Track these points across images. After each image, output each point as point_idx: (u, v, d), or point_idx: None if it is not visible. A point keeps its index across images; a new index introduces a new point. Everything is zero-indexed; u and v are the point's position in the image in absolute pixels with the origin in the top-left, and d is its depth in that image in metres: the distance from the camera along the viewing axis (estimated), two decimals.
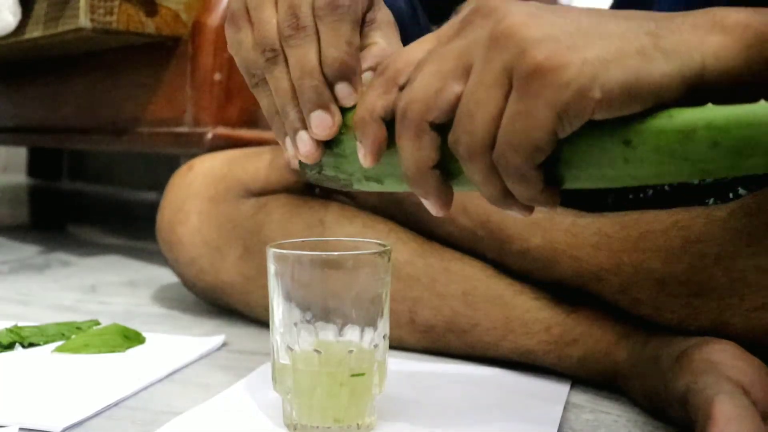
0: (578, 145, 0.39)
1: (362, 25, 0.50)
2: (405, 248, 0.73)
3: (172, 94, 1.13)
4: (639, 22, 0.39)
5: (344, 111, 0.48)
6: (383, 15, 0.52)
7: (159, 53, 1.13)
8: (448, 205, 0.45)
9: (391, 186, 0.48)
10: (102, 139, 1.30)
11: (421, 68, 0.42)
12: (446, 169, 0.43)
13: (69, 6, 1.04)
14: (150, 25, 1.06)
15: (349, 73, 0.47)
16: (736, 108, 0.35)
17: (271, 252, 0.52)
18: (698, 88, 0.38)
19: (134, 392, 0.62)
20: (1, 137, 1.65)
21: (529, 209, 0.43)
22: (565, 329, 0.66)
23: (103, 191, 2.54)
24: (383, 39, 0.50)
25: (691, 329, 0.59)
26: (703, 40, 0.38)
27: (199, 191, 0.86)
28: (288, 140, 0.50)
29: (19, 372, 0.66)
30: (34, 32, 1.11)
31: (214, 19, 1.09)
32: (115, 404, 0.59)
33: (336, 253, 0.53)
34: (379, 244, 0.54)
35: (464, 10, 0.43)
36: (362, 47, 0.50)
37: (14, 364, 0.68)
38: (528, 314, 0.68)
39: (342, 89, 0.47)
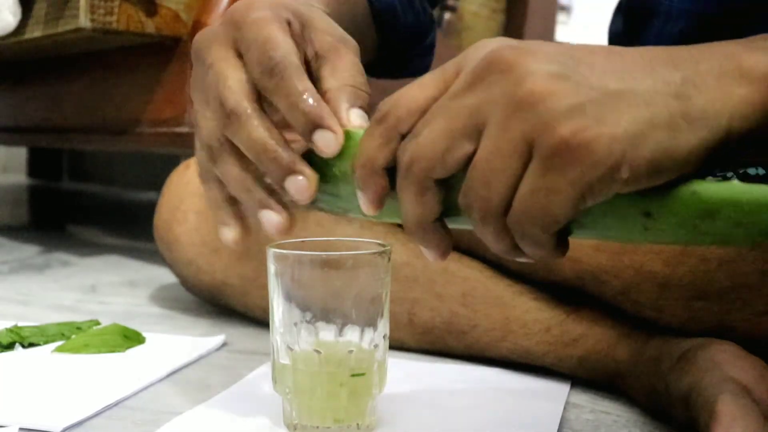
0: (595, 214, 0.38)
1: (309, 67, 0.48)
2: (403, 249, 0.73)
3: (172, 94, 1.13)
4: (664, 74, 0.37)
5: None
6: (322, 40, 0.48)
7: (159, 53, 1.13)
8: (447, 253, 0.43)
9: (390, 220, 0.46)
10: (102, 139, 1.30)
11: (428, 123, 0.39)
12: (445, 214, 0.42)
13: (69, 6, 1.04)
14: (150, 25, 1.06)
15: (319, 120, 0.44)
16: (762, 189, 0.35)
17: (271, 252, 0.52)
18: (721, 147, 0.37)
19: (134, 392, 0.62)
20: (1, 137, 1.65)
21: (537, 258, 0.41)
22: (565, 329, 0.66)
23: (103, 191, 2.54)
24: (332, 77, 0.47)
25: (693, 332, 0.59)
26: (730, 97, 0.36)
27: (196, 190, 0.86)
28: (263, 215, 0.48)
29: (19, 372, 0.66)
30: (34, 32, 1.11)
31: (214, 19, 1.08)
32: (115, 404, 0.59)
33: (336, 253, 0.52)
34: (379, 244, 0.54)
35: (474, 55, 0.40)
36: (322, 93, 0.47)
37: (14, 364, 0.68)
38: (527, 315, 0.68)
39: (320, 138, 0.44)
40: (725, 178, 0.61)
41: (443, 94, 0.40)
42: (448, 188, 0.40)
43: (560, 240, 0.39)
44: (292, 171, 0.45)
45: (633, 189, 0.36)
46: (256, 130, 0.45)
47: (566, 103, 0.35)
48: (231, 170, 0.47)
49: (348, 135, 0.45)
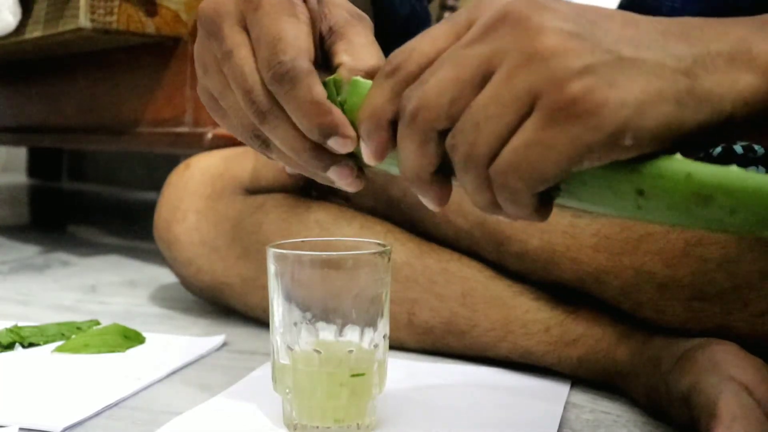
0: (587, 182, 0.37)
1: (322, 41, 0.47)
2: (403, 249, 0.73)
3: (172, 94, 1.13)
4: (676, 49, 0.36)
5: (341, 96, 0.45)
6: (337, 15, 0.48)
7: (159, 53, 1.13)
8: (446, 201, 0.43)
9: (388, 169, 0.46)
10: (102, 139, 1.30)
11: (435, 71, 0.39)
12: (446, 165, 0.41)
13: (69, 6, 1.04)
14: (150, 25, 1.06)
15: (332, 130, 0.44)
16: (759, 178, 0.34)
17: (271, 252, 0.52)
18: (720, 128, 0.36)
19: (134, 392, 0.62)
20: (1, 137, 1.65)
21: (516, 217, 0.41)
22: (565, 330, 0.66)
23: (103, 191, 2.54)
24: (347, 54, 0.47)
25: (693, 332, 0.59)
26: (735, 82, 0.36)
27: (196, 189, 0.86)
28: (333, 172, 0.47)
29: (19, 372, 0.66)
30: (34, 32, 1.11)
31: None
32: (115, 404, 0.59)
33: (336, 253, 0.53)
34: (379, 244, 0.54)
35: (488, 6, 0.39)
36: (334, 67, 0.47)
37: (14, 364, 0.68)
38: (527, 315, 0.68)
39: (334, 144, 0.44)
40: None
41: None
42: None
43: (543, 202, 0.38)
44: (330, 163, 0.45)
45: (630, 156, 0.36)
46: (289, 129, 0.45)
47: (580, 62, 0.35)
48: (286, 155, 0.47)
49: (356, 84, 0.44)
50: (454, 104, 0.38)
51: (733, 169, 0.34)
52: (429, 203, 0.43)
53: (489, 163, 0.37)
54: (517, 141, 0.36)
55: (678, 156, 0.36)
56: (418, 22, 0.77)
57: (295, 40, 0.44)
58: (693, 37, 0.37)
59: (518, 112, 0.36)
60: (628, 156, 0.36)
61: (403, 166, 0.41)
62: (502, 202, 0.38)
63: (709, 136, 0.36)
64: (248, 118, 0.47)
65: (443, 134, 0.39)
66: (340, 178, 0.46)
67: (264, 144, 0.48)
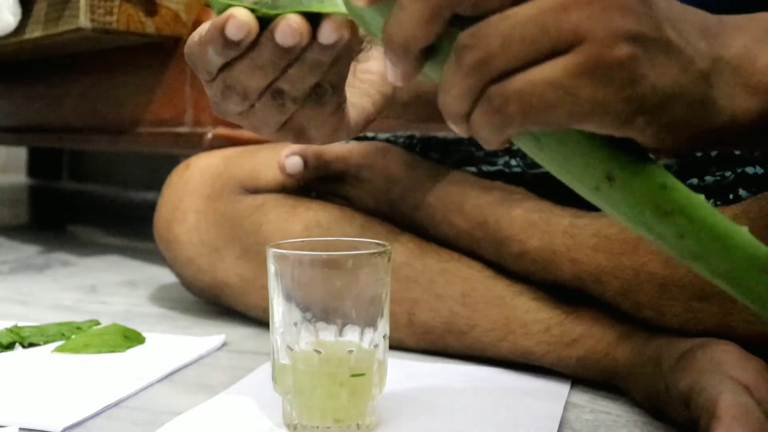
0: (564, 142, 0.36)
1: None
2: (403, 249, 0.73)
3: (172, 94, 1.13)
4: (705, 49, 0.36)
5: None
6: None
7: (159, 53, 1.13)
8: (409, 80, 0.38)
9: (371, 27, 0.40)
10: (102, 139, 1.30)
11: None
12: (431, 51, 0.37)
13: (69, 6, 1.04)
14: (150, 25, 1.06)
15: (218, 32, 0.46)
16: (721, 218, 0.35)
17: (272, 252, 0.52)
18: (710, 138, 0.37)
19: (134, 392, 0.62)
20: (1, 137, 1.65)
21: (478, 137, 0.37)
22: (565, 330, 0.66)
23: (103, 191, 2.54)
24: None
25: (693, 332, 0.59)
26: (733, 96, 0.36)
27: (196, 189, 0.86)
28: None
29: (19, 372, 0.66)
30: (34, 32, 1.11)
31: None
32: (115, 404, 0.59)
33: (336, 253, 0.53)
34: (379, 244, 0.54)
35: None
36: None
37: (14, 364, 0.68)
38: (527, 315, 0.68)
39: (231, 33, 0.45)
40: (723, 178, 0.61)
41: None
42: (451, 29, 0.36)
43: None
44: (222, 29, 0.46)
45: (625, 136, 0.35)
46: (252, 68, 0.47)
47: (637, 28, 0.34)
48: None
49: None
50: None
51: (702, 199, 0.35)
52: (392, 74, 0.38)
53: (496, 80, 0.34)
54: (539, 74, 0.34)
55: (659, 163, 0.36)
56: None
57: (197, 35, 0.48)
58: (713, 37, 0.37)
59: (555, 46, 0.34)
60: (621, 135, 0.35)
61: (392, 26, 0.36)
62: (478, 121, 0.35)
63: (698, 142, 0.37)
64: (274, 103, 0.48)
65: (453, 19, 0.35)
66: (291, 35, 0.43)
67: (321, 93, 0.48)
